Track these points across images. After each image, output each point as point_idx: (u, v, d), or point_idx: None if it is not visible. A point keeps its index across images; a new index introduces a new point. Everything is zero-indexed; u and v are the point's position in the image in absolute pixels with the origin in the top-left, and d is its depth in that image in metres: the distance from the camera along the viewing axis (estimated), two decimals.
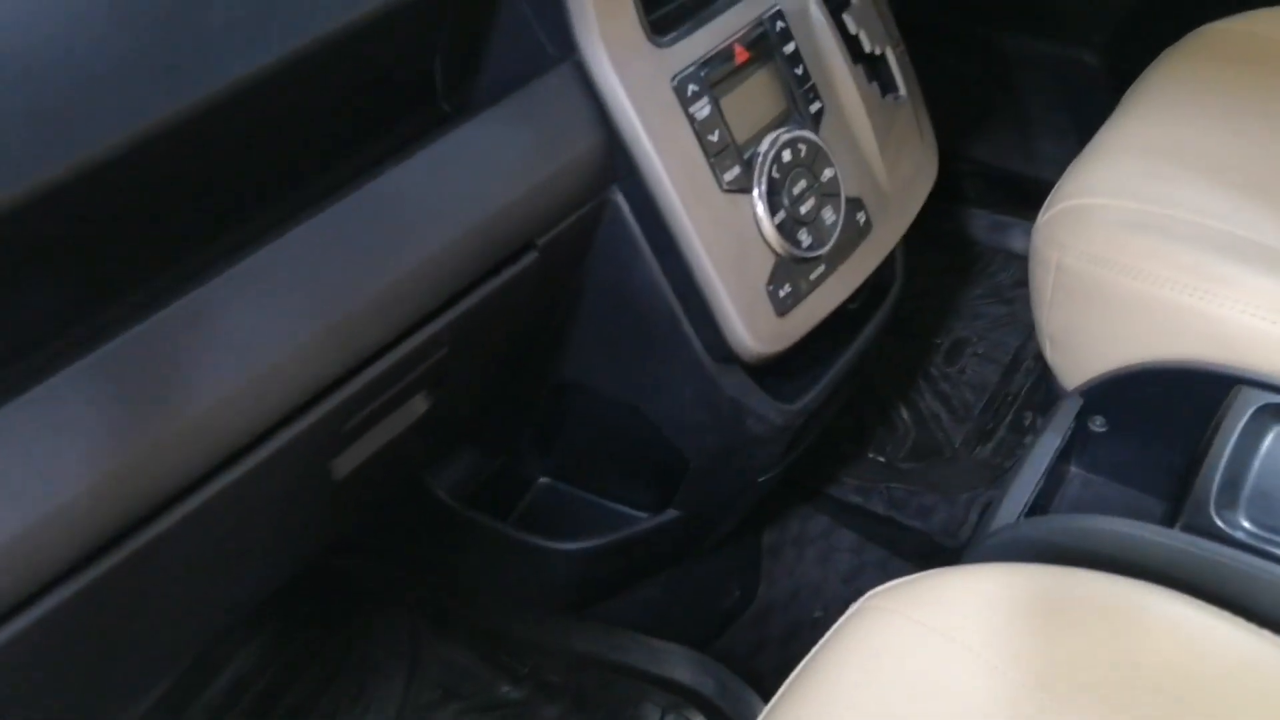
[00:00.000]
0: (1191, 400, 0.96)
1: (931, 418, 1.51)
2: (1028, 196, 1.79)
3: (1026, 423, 1.48)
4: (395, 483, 0.98)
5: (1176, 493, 0.99)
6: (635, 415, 0.98)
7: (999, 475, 1.41)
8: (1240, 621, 0.73)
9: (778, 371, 0.96)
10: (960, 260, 1.76)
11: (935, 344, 1.62)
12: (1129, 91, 1.31)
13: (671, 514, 1.06)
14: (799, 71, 0.90)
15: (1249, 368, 0.95)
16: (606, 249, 0.86)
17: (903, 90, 1.00)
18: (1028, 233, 1.76)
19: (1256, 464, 0.89)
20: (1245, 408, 0.92)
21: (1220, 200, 1.06)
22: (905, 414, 1.52)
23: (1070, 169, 1.17)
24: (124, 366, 0.58)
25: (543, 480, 1.16)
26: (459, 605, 1.15)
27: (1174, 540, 0.83)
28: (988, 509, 1.32)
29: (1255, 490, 0.88)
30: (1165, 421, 1.00)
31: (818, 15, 0.93)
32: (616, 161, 0.82)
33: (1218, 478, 0.88)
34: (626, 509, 1.13)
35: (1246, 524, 0.86)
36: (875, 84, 0.97)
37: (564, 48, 0.80)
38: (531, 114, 0.78)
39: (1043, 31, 1.67)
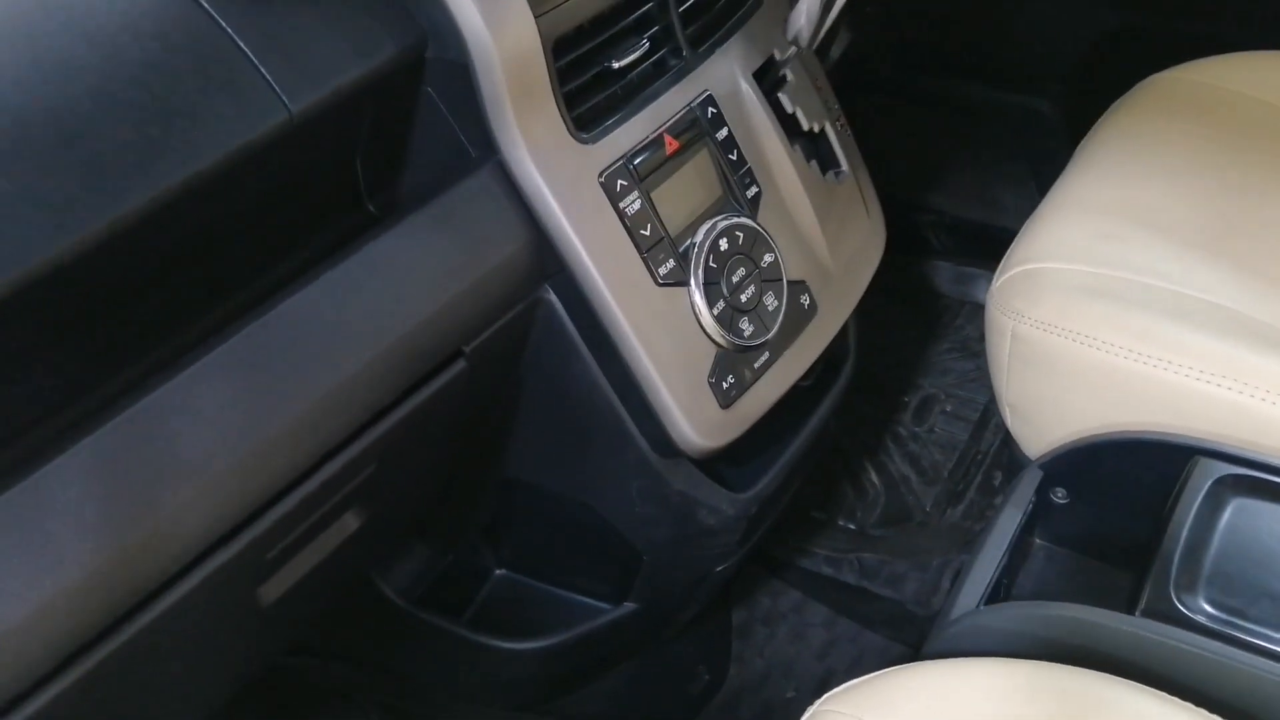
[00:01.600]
0: (1151, 471, 0.94)
1: (901, 480, 1.49)
2: (990, 246, 1.78)
3: (996, 483, 1.45)
4: (336, 595, 0.95)
5: (1141, 564, 0.97)
6: (585, 509, 0.95)
7: (970, 539, 1.38)
8: (1202, 713, 0.70)
9: (729, 458, 0.93)
10: (925, 313, 1.74)
11: (903, 402, 1.60)
12: (1080, 146, 1.30)
13: (630, 606, 1.03)
14: (733, 157, 0.88)
15: (1206, 436, 0.93)
16: (542, 347, 0.84)
17: (844, 165, 0.99)
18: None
19: (1215, 541, 0.87)
20: (1203, 480, 0.90)
21: (1172, 260, 1.05)
22: (875, 477, 1.49)
23: (1023, 232, 1.16)
24: (11, 518, 0.55)
25: (499, 572, 1.13)
26: (417, 705, 1.12)
27: (1134, 628, 0.80)
28: (959, 575, 1.30)
29: (1215, 569, 0.86)
30: (1126, 493, 0.98)
31: (751, 96, 0.91)
32: (546, 260, 0.80)
33: (1176, 558, 0.86)
34: (586, 599, 1.10)
35: (1207, 607, 0.84)
36: (815, 162, 0.96)
37: (485, 149, 0.78)
38: (453, 220, 0.76)
39: (998, 82, 1.67)
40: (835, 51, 1.25)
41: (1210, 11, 1.53)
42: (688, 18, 0.87)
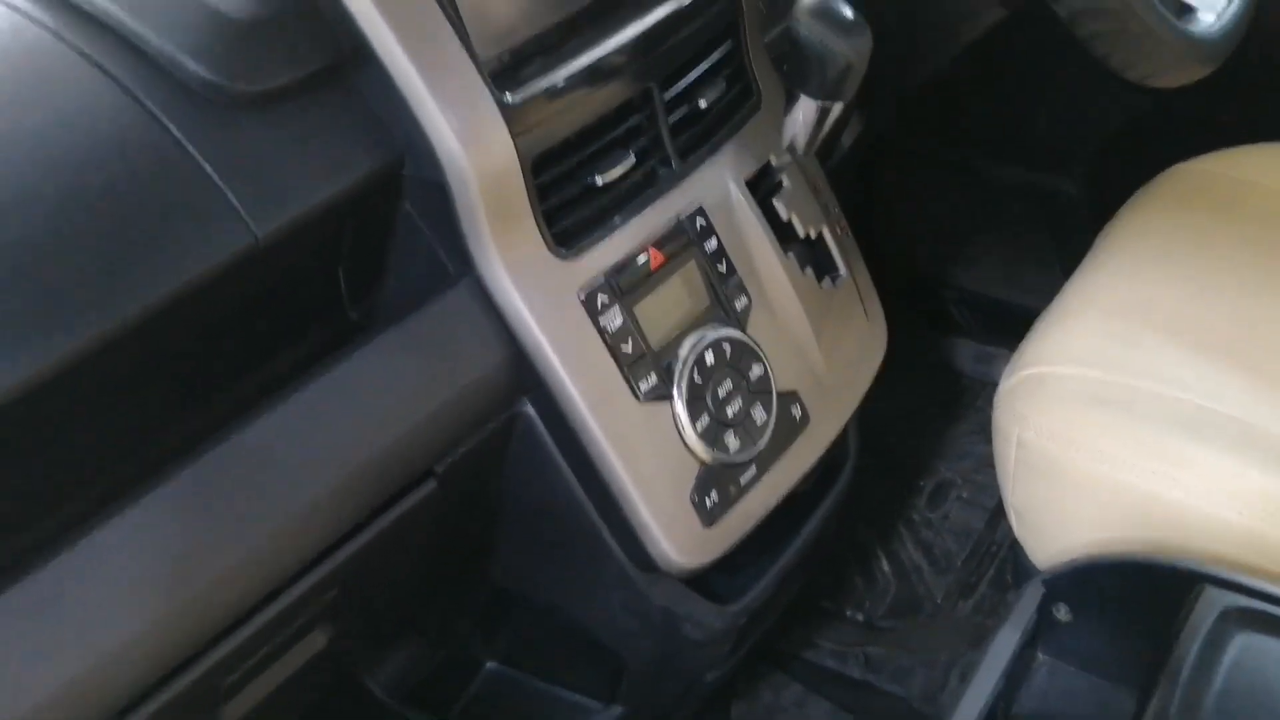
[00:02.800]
0: (1155, 595, 0.91)
1: (913, 569, 1.45)
2: (1013, 324, 1.75)
3: (1009, 576, 1.41)
4: (312, 700, 0.93)
5: (1145, 689, 0.93)
6: (568, 616, 0.93)
7: (981, 635, 1.34)
8: None
9: (717, 567, 0.91)
10: (945, 393, 1.71)
11: (919, 486, 1.56)
12: (1099, 239, 1.27)
13: (618, 710, 1.01)
14: (722, 268, 0.87)
15: (1215, 560, 0.90)
16: (520, 461, 0.82)
17: (843, 270, 0.96)
18: None
19: (1220, 676, 0.83)
20: (1209, 611, 0.86)
21: (1185, 366, 1.02)
22: (886, 565, 1.46)
23: (1034, 331, 1.13)
24: None
25: (490, 665, 1.11)
26: None
27: None
28: (966, 676, 1.26)
29: (1219, 706, 0.82)
30: (1130, 614, 0.95)
31: (744, 205, 0.89)
32: (524, 376, 0.78)
33: (1179, 691, 0.82)
34: (577, 697, 1.07)
35: None
36: (810, 269, 0.94)
37: (463, 265, 0.76)
38: (426, 338, 0.74)
39: (1023, 160, 1.65)
40: (846, 140, 1.23)
41: (1243, 97, 1.49)
42: (678, 128, 0.85)
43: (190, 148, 0.65)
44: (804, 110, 0.86)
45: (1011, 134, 1.63)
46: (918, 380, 1.72)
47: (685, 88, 0.86)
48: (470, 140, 0.72)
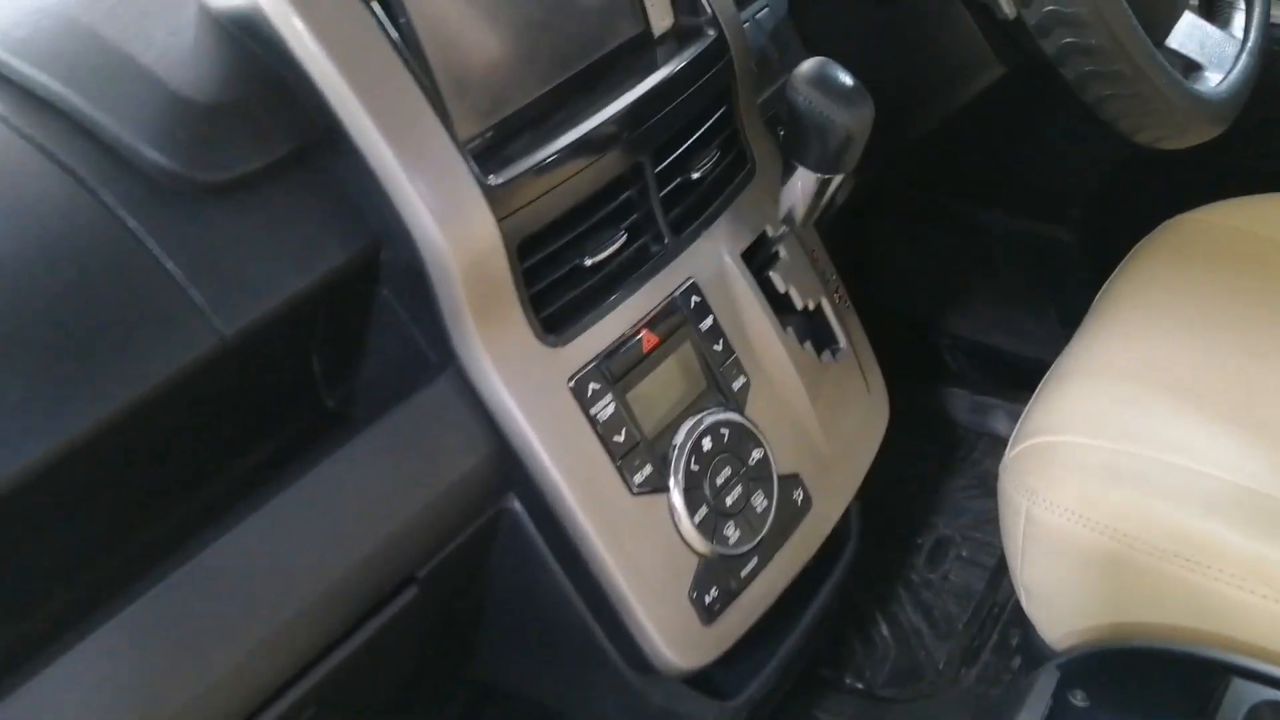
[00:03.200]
0: (1180, 685, 0.86)
1: (913, 633, 1.40)
2: (1009, 373, 1.72)
3: (1013, 642, 1.37)
4: None
5: None
6: (558, 717, 0.88)
7: (985, 709, 1.29)
8: None
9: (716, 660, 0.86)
10: (941, 444, 1.67)
11: (917, 544, 1.52)
12: (1100, 295, 1.23)
13: None
14: (718, 347, 0.82)
15: (1242, 650, 0.85)
16: (507, 559, 0.78)
17: (842, 342, 0.92)
18: (1010, 415, 1.69)
19: None
20: (1238, 705, 0.82)
21: (1200, 433, 0.98)
22: (885, 629, 1.41)
23: (1039, 396, 1.09)
24: None
25: None
26: None
27: None
28: None
29: None
30: (1153, 704, 0.90)
31: (740, 279, 0.85)
32: (511, 471, 0.74)
33: None
34: None
35: None
36: (809, 342, 0.89)
37: (444, 353, 0.72)
38: (406, 436, 0.70)
39: (1018, 208, 1.62)
40: (840, 198, 1.19)
41: (1238, 145, 1.46)
42: (670, 201, 0.81)
43: (150, 243, 0.60)
44: (803, 181, 0.82)
45: (1005, 182, 1.60)
46: (912, 432, 1.67)
47: (677, 158, 0.82)
48: (450, 225, 0.67)
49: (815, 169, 0.81)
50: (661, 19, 0.84)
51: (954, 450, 1.66)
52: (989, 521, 1.54)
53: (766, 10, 1.00)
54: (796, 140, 0.80)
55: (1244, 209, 1.28)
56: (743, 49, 0.87)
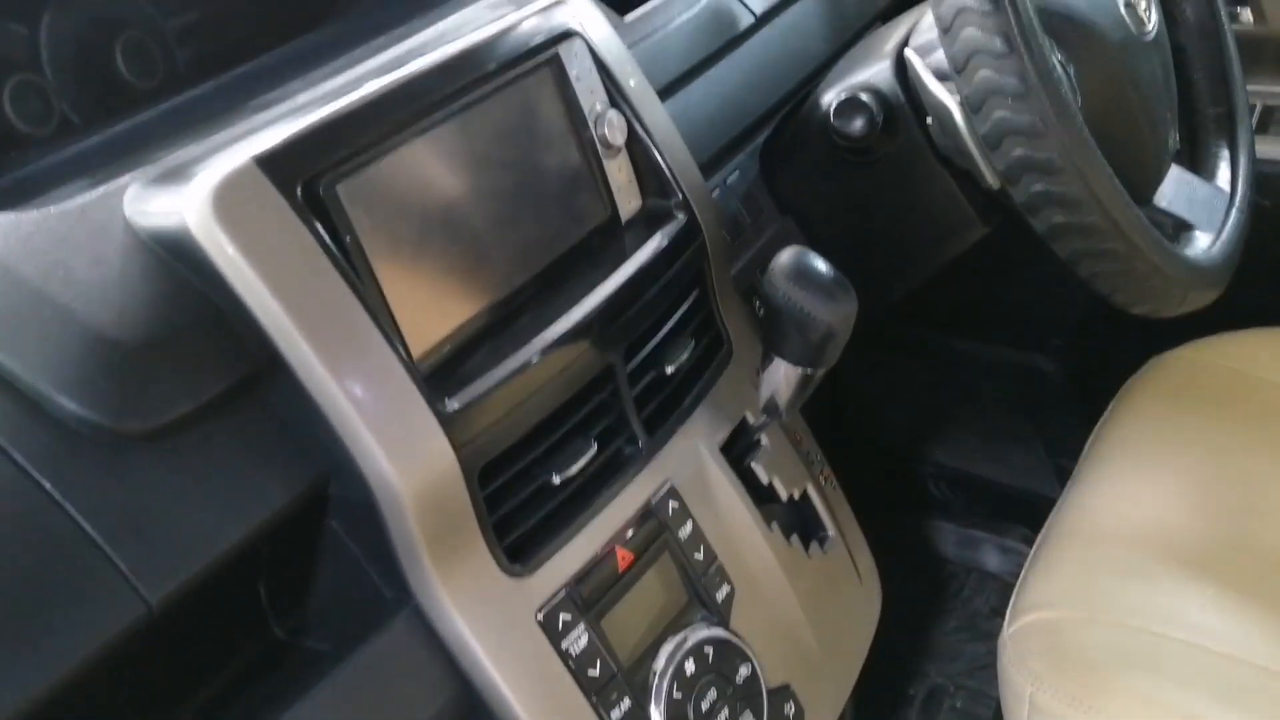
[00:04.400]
0: None
1: None
2: (994, 504, 1.67)
3: None
4: None
5: None
6: None
7: None
8: None
9: None
10: (929, 583, 1.61)
11: (909, 695, 1.45)
12: (1091, 442, 1.18)
13: None
14: (700, 555, 0.76)
15: None
16: None
17: (831, 530, 0.86)
18: (999, 549, 1.64)
19: None
20: None
21: (1210, 609, 0.93)
22: None
23: (1034, 562, 1.03)
24: None
25: None
26: None
27: None
28: None
29: None
30: None
31: (720, 475, 0.79)
32: (477, 716, 0.67)
33: None
34: None
35: None
36: (796, 536, 0.83)
37: (400, 591, 0.65)
38: (359, 689, 0.63)
39: (999, 338, 1.58)
40: None
41: None
42: (643, 399, 0.76)
43: (67, 505, 0.54)
44: (784, 373, 0.77)
45: (985, 312, 1.56)
46: (899, 569, 1.61)
47: (651, 353, 0.76)
48: (402, 458, 0.61)
49: (796, 363, 0.76)
50: (629, 202, 0.79)
51: (943, 588, 1.60)
52: (983, 668, 1.48)
53: (737, 174, 0.96)
54: (775, 334, 0.75)
55: (1231, 346, 1.24)
56: (715, 226, 0.82)
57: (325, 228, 0.61)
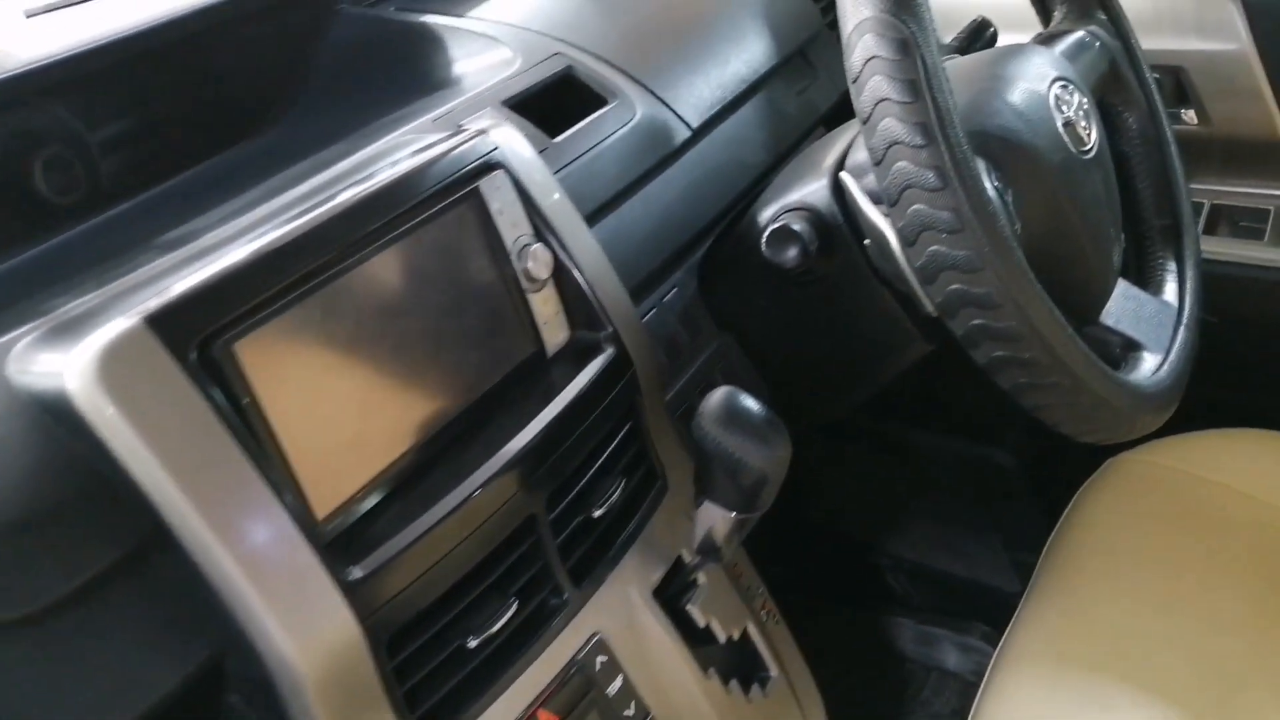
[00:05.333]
0: None
1: None
2: (953, 597, 1.63)
3: None
4: None
5: None
6: None
7: None
8: None
9: None
10: (889, 682, 1.57)
11: None
12: (1046, 552, 1.15)
13: None
14: (630, 712, 0.72)
15: None
16: None
17: (773, 670, 0.82)
18: (959, 647, 1.60)
19: None
20: None
21: None
22: None
23: (990, 683, 1.00)
24: None
25: None
26: None
27: None
28: None
29: None
30: None
31: (653, 622, 0.76)
32: None
33: None
34: None
35: None
36: (736, 680, 0.80)
37: None
38: None
39: (954, 431, 1.55)
40: None
41: None
42: (569, 548, 0.72)
43: None
44: (717, 518, 0.74)
45: (943, 406, 1.54)
46: (857, 668, 1.58)
47: (577, 496, 0.73)
48: (301, 633, 0.57)
49: (729, 509, 0.72)
50: (555, 336, 0.76)
51: (902, 689, 1.56)
52: None
53: (675, 291, 0.94)
54: (706, 478, 0.72)
55: (1188, 449, 1.22)
56: (647, 356, 0.79)
57: (220, 389, 0.57)
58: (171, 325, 0.56)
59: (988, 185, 0.75)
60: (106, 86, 0.90)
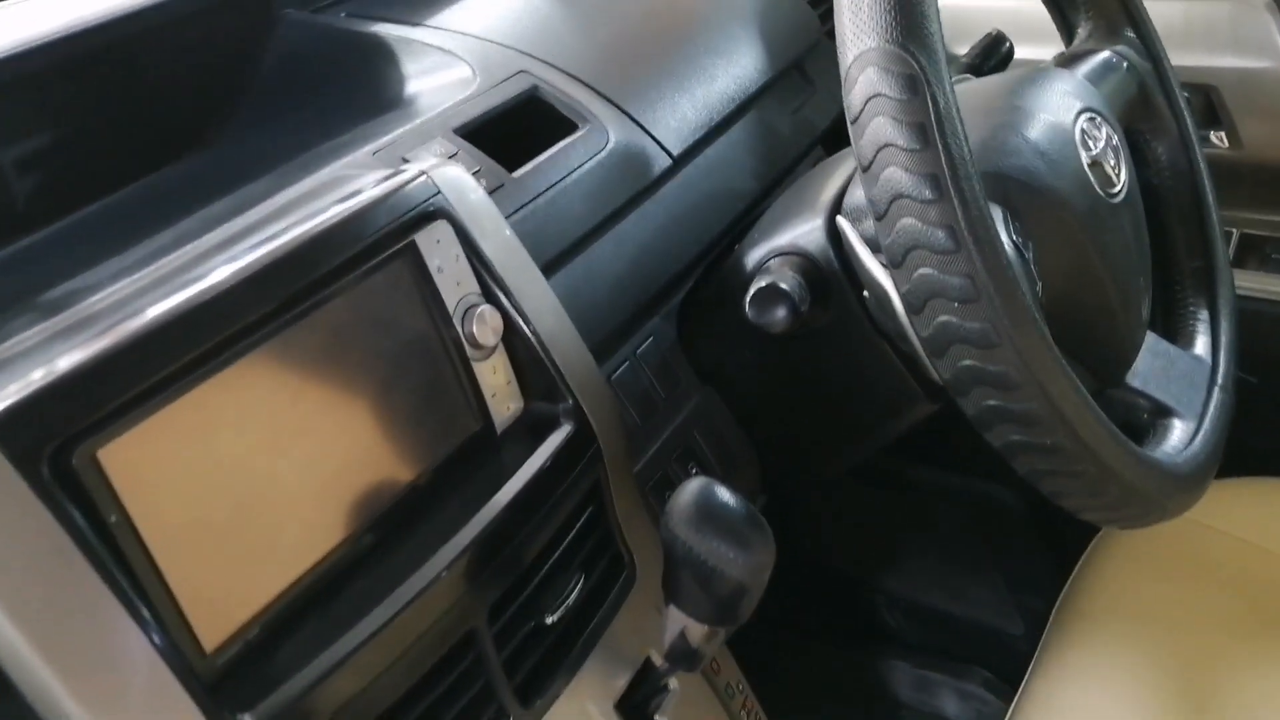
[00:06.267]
0: None
1: None
2: (950, 638, 1.54)
3: None
4: None
5: None
6: None
7: None
8: None
9: None
10: None
11: None
12: (1055, 612, 1.06)
13: None
14: None
15: None
16: None
17: None
18: (958, 694, 1.51)
19: None
20: None
21: None
22: None
23: None
24: None
25: None
26: None
27: None
28: None
29: None
30: None
31: None
32: None
33: None
34: None
35: None
36: None
37: None
38: None
39: (954, 466, 1.46)
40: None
41: None
42: (516, 661, 0.62)
43: None
44: (689, 628, 0.64)
45: (944, 438, 1.44)
46: (851, 716, 1.49)
47: (526, 602, 0.63)
48: None
49: (701, 621, 0.62)
50: (506, 408, 0.66)
51: None
52: None
53: (651, 340, 0.84)
54: (675, 585, 0.62)
55: (1207, 497, 1.13)
56: (613, 428, 0.69)
57: (79, 507, 0.47)
58: (16, 431, 0.46)
59: (1006, 242, 0.65)
60: (19, 98, 0.80)
